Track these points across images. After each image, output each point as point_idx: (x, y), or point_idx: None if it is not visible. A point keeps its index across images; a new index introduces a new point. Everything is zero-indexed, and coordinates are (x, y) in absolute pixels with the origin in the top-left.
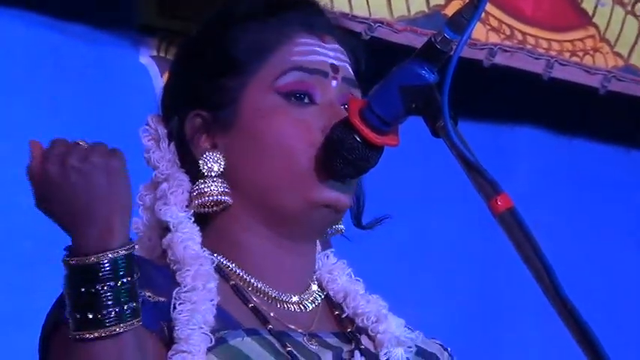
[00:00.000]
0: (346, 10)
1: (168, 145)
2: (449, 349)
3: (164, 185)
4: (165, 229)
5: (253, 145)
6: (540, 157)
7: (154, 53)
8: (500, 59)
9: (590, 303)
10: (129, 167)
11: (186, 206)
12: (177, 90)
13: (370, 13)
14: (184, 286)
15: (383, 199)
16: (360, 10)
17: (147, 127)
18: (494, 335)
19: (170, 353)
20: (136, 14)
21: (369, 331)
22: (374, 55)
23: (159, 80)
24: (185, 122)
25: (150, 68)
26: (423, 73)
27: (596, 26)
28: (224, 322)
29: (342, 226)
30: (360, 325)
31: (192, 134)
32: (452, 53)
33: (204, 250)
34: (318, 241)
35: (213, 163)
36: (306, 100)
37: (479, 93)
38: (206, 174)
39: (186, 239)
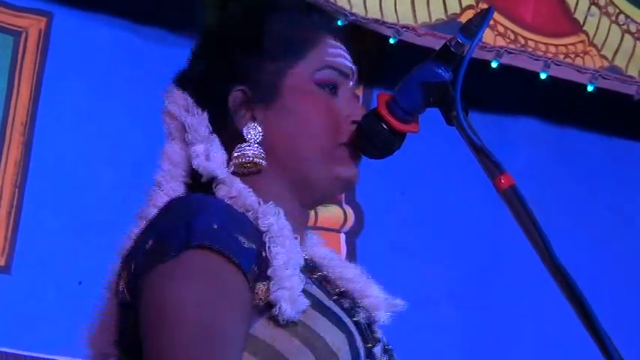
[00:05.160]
0: (378, 16)
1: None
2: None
3: (202, 146)
4: (203, 184)
5: (293, 121)
6: (537, 142)
7: None
8: (505, 60)
9: (575, 260)
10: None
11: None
12: (219, 67)
13: (398, 20)
14: (273, 233)
15: (409, 177)
16: (390, 17)
17: (172, 96)
18: (495, 287)
19: (273, 288)
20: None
21: (355, 294)
22: (401, 55)
23: None
24: (228, 96)
25: None
26: (439, 71)
27: (586, 33)
28: None
29: None
30: (344, 288)
31: (234, 107)
32: (464, 55)
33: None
34: None
35: (253, 131)
36: (334, 92)
37: (487, 88)
38: (247, 140)
39: (246, 190)
